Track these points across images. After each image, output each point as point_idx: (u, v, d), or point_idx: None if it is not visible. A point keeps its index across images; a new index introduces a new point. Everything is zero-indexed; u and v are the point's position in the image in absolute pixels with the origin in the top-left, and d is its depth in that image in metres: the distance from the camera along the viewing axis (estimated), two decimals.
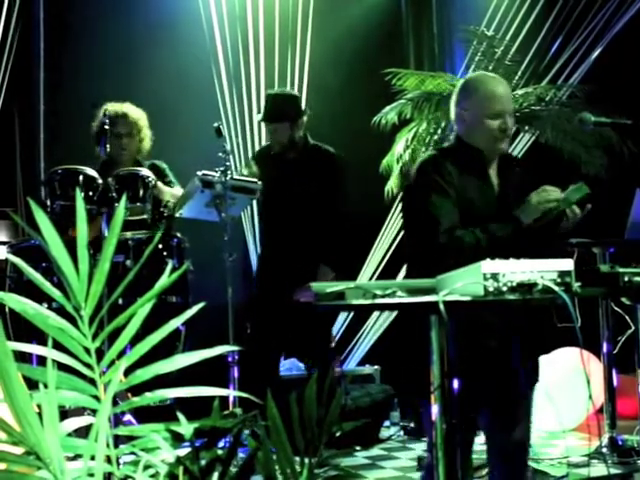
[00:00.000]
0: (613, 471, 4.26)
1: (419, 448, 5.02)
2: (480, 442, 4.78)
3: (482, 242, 2.72)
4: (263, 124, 5.15)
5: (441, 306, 1.85)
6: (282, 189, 4.75)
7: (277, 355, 5.06)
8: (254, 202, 5.08)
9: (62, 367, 1.46)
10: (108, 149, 3.91)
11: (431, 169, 2.88)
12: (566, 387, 5.07)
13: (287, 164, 4.79)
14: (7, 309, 3.76)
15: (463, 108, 2.96)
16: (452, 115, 3.05)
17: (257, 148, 6.12)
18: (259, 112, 6.35)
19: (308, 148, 4.87)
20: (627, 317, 4.85)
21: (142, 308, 1.53)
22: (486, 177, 2.93)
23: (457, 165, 2.88)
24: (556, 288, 1.94)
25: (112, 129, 4.52)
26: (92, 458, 1.38)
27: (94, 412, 1.47)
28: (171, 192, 4.54)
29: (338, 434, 1.64)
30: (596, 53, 6.05)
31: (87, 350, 1.50)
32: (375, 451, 5.07)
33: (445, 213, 2.78)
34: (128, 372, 1.54)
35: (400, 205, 6.31)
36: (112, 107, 4.65)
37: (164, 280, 1.55)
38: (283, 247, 4.79)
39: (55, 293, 1.47)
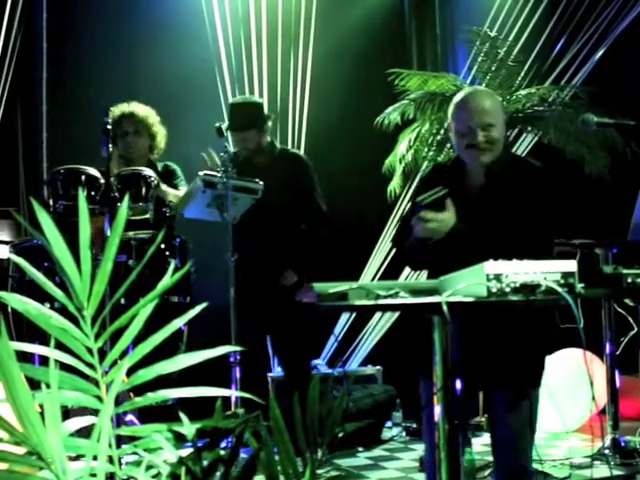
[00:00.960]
0: (616, 472, 4.26)
1: (421, 449, 5.01)
2: (482, 443, 4.78)
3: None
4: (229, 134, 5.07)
5: (444, 307, 1.85)
6: None
7: (262, 356, 5.05)
8: None
9: (64, 367, 1.46)
10: (111, 149, 3.91)
11: (417, 184, 3.28)
12: (569, 388, 5.06)
13: (256, 169, 4.76)
14: (9, 309, 3.76)
15: (450, 125, 3.08)
16: None
17: None
18: (268, 107, 6.36)
19: (276, 153, 4.87)
20: (630, 318, 4.85)
21: (144, 308, 1.52)
22: (462, 190, 2.99)
23: (445, 179, 2.99)
24: (559, 289, 1.93)
25: (119, 129, 4.55)
26: (94, 458, 1.38)
27: (96, 412, 1.46)
28: (175, 193, 4.53)
29: (340, 435, 1.63)
30: (599, 54, 6.04)
31: (89, 350, 1.50)
32: (377, 452, 5.07)
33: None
34: (130, 372, 1.54)
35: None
36: (119, 107, 4.66)
37: (167, 280, 1.55)
38: (254, 251, 4.74)
39: (57, 293, 1.46)
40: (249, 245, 4.73)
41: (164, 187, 4.45)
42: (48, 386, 1.35)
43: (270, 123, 4.89)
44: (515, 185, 2.93)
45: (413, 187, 3.19)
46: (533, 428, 2.98)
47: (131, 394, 2.21)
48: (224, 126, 4.45)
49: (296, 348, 4.79)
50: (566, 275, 1.98)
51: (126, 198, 1.64)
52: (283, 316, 4.64)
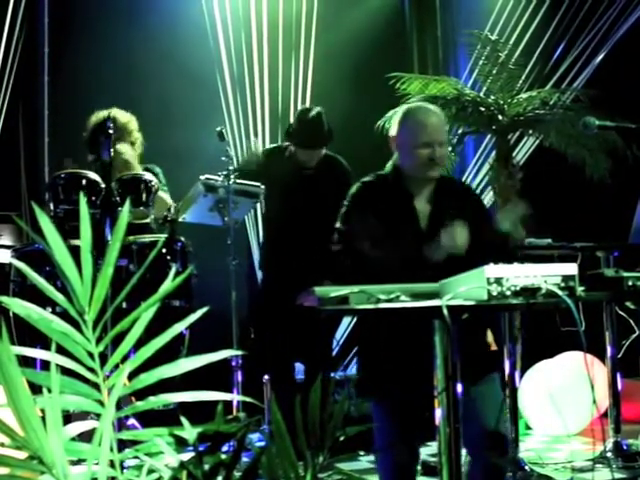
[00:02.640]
0: (617, 476, 4.25)
1: (423, 452, 5.00)
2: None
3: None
4: (293, 147, 5.01)
5: (445, 310, 1.85)
6: (293, 192, 4.76)
7: (291, 361, 5.08)
8: (261, 203, 5.12)
9: (66, 371, 1.46)
10: (112, 153, 3.91)
11: (352, 202, 3.14)
12: (570, 391, 5.06)
13: (301, 168, 4.81)
14: (11, 313, 3.76)
15: (397, 136, 3.12)
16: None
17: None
18: (270, 111, 6.37)
19: (325, 158, 4.89)
20: (631, 321, 4.84)
21: (146, 312, 1.53)
22: (410, 204, 3.07)
23: (385, 193, 3.07)
24: (560, 292, 1.93)
25: (101, 136, 4.52)
26: (96, 462, 1.38)
27: (98, 416, 1.47)
28: (164, 200, 4.54)
29: (342, 438, 1.64)
30: (600, 57, 6.04)
31: (91, 354, 1.50)
32: None
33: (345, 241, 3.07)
34: (132, 376, 1.54)
35: None
36: (99, 114, 4.61)
37: (168, 284, 1.55)
38: (289, 252, 4.79)
39: (59, 297, 1.47)
40: (285, 247, 4.78)
41: (161, 194, 4.46)
42: (49, 390, 1.35)
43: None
44: (457, 202, 3.06)
45: (345, 208, 3.19)
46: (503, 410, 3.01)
47: (133, 398, 2.22)
48: (225, 130, 4.45)
49: (325, 353, 4.86)
50: (567, 278, 1.98)
51: (127, 202, 1.64)
52: (315, 322, 4.65)
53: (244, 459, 2.69)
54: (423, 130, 3.02)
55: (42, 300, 1.76)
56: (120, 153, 4.53)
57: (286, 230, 4.85)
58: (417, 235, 2.98)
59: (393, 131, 3.15)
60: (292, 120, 5.23)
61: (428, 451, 5.03)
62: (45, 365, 1.40)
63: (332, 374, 5.33)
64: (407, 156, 3.06)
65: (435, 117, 3.09)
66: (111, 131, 3.86)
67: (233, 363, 4.08)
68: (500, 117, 5.79)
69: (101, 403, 1.51)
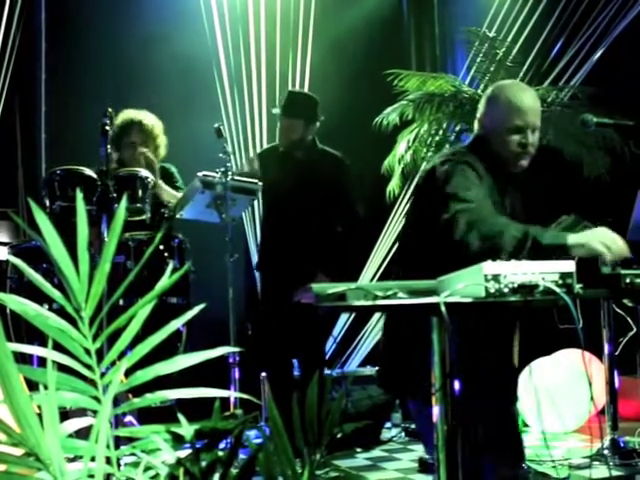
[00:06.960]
0: (615, 473, 4.25)
1: (420, 449, 5.01)
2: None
3: (523, 244, 2.43)
4: (278, 120, 5.03)
5: (442, 308, 1.84)
6: (289, 187, 4.77)
7: (289, 357, 5.08)
8: (258, 201, 5.12)
9: (62, 368, 1.46)
10: (109, 150, 3.90)
11: (461, 160, 2.68)
12: (568, 389, 5.06)
13: (294, 163, 4.81)
14: (8, 310, 3.76)
15: (485, 115, 2.84)
16: (477, 119, 2.91)
17: (258, 149, 6.13)
18: (267, 109, 6.38)
19: (315, 150, 4.88)
20: (629, 318, 4.84)
21: (143, 309, 1.52)
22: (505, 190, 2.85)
23: (484, 166, 2.75)
24: (558, 290, 1.93)
25: (126, 137, 4.55)
26: (92, 459, 1.38)
27: (95, 413, 1.46)
28: (171, 193, 4.54)
29: (339, 436, 1.63)
30: (598, 54, 6.03)
31: (87, 351, 1.49)
32: (376, 452, 5.06)
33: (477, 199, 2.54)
34: (129, 373, 1.53)
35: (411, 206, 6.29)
36: (127, 114, 4.64)
37: (165, 281, 1.54)
38: (286, 248, 4.80)
39: (55, 294, 1.46)
40: (282, 242, 4.79)
41: (162, 185, 4.45)
42: (46, 387, 1.35)
43: (318, 124, 4.89)
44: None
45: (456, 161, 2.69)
46: None
47: (129, 395, 2.21)
48: (222, 127, 4.44)
49: (320, 350, 4.87)
50: (564, 275, 1.98)
51: (124, 199, 1.63)
52: (311, 318, 4.66)
53: (241, 456, 2.69)
54: (517, 112, 2.75)
55: (39, 297, 1.75)
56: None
57: (281, 227, 4.85)
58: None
59: (479, 113, 2.88)
60: None
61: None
62: (42, 362, 1.40)
63: (329, 371, 5.34)
64: (496, 139, 2.78)
65: (532, 99, 2.80)
66: (107, 128, 3.86)
67: (230, 360, 4.07)
68: None
69: (98, 400, 1.51)
